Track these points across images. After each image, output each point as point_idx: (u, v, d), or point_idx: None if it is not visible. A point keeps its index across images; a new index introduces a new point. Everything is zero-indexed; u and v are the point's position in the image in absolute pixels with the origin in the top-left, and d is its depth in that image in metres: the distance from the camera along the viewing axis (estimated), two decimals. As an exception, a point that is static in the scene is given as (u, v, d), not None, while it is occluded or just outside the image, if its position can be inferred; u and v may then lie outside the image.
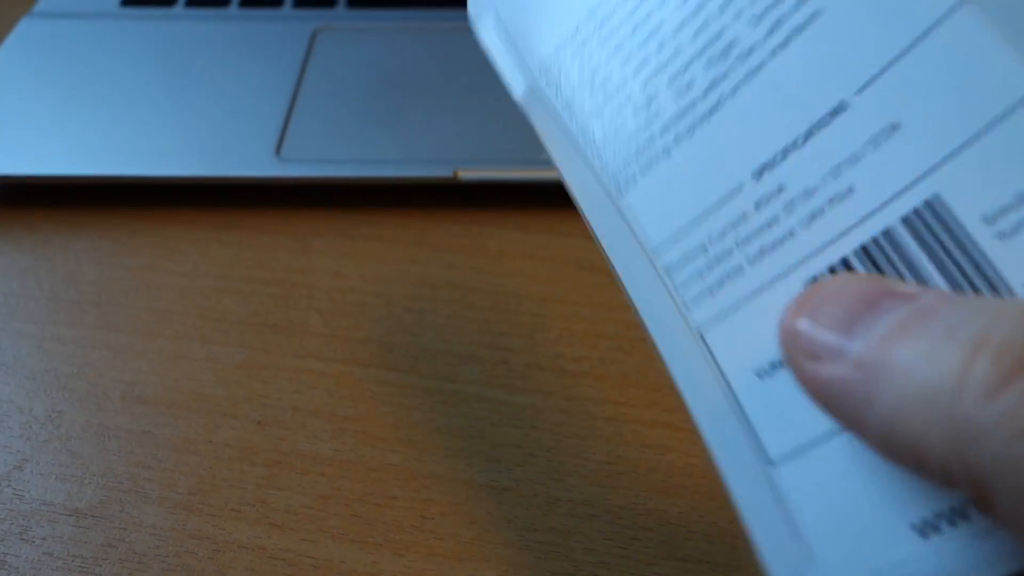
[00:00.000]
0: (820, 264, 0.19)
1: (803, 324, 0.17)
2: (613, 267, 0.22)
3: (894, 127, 0.18)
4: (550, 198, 0.37)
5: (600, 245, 0.22)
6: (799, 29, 0.20)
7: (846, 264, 0.18)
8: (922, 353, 0.14)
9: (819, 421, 0.18)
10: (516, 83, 0.25)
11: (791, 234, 0.19)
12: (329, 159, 0.38)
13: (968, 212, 0.17)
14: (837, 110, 0.19)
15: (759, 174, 0.20)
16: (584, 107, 0.23)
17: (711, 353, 0.20)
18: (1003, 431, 0.13)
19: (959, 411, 0.13)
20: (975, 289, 0.17)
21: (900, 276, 0.18)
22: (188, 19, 0.46)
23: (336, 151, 0.38)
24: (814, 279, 0.19)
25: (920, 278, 0.17)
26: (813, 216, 0.19)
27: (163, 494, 0.28)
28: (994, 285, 0.17)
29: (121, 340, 0.33)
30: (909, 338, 0.15)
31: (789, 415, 0.19)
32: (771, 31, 0.20)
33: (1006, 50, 0.17)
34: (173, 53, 0.44)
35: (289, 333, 0.33)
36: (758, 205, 0.20)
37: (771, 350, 0.19)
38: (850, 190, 0.19)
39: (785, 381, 0.19)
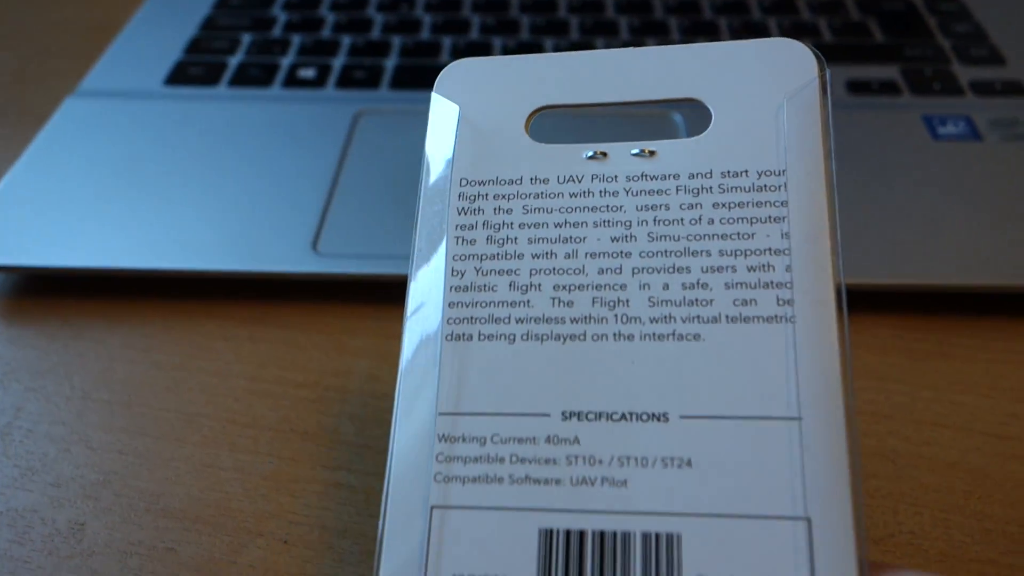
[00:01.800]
0: (561, 521, 0.20)
1: None
2: (398, 394, 0.22)
3: (688, 462, 0.20)
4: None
5: (400, 372, 0.22)
6: (678, 337, 0.22)
7: (580, 536, 0.20)
8: None
9: None
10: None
11: (557, 482, 0.20)
12: (368, 254, 0.37)
13: (692, 563, 0.19)
14: (658, 417, 0.21)
15: (568, 416, 0.21)
16: (476, 246, 0.24)
17: (429, 532, 0.21)
18: None
19: None
20: None
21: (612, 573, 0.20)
22: (230, 99, 0.46)
23: (375, 246, 0.38)
24: (548, 531, 0.20)
25: None
26: (583, 481, 0.20)
27: (184, 621, 0.27)
28: None
29: (149, 445, 0.32)
30: None
31: None
32: (659, 320, 0.22)
33: (795, 481, 0.20)
34: (213, 137, 0.43)
35: (319, 441, 0.32)
36: (549, 439, 0.21)
37: (481, 565, 0.20)
38: (624, 483, 0.20)
39: None
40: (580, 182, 0.24)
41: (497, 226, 0.24)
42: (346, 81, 0.47)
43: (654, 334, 0.22)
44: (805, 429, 0.20)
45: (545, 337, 0.22)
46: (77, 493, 0.31)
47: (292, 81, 0.47)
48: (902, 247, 0.36)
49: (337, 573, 0.28)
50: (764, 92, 0.24)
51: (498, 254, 0.23)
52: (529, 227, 0.23)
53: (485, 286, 0.23)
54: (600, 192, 0.23)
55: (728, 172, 0.23)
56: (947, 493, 0.30)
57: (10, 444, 0.33)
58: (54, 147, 0.43)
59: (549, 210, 0.24)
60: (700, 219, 0.23)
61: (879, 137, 0.42)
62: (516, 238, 0.23)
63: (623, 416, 0.21)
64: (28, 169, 0.41)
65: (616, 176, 0.24)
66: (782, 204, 0.22)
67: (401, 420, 0.22)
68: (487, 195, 0.24)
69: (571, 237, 0.23)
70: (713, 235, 0.22)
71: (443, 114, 0.25)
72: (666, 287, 0.22)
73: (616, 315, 0.22)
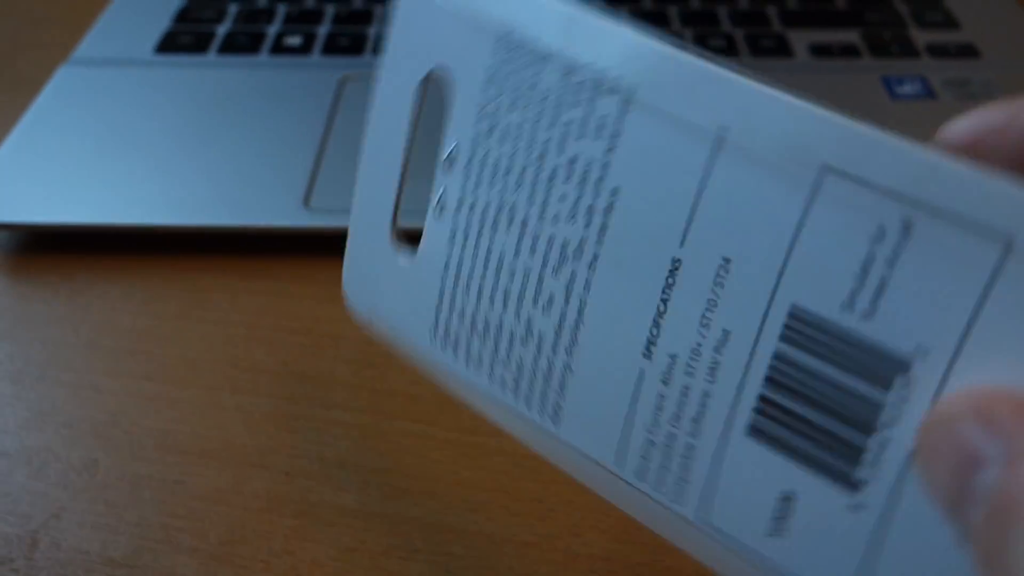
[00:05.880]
0: (746, 409, 0.19)
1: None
2: (594, 490, 0.22)
3: (727, 261, 0.19)
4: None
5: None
6: (608, 210, 0.20)
7: (770, 401, 0.18)
8: None
9: (842, 558, 0.18)
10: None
11: (707, 394, 0.19)
12: (356, 210, 0.39)
13: (827, 308, 0.17)
14: (674, 267, 0.19)
15: (648, 353, 0.20)
16: (482, 357, 0.23)
17: (721, 532, 0.20)
18: None
19: None
20: (871, 370, 0.17)
21: (811, 389, 0.18)
22: (220, 66, 0.48)
23: (363, 201, 0.39)
24: (750, 428, 0.19)
25: (826, 381, 0.18)
26: (712, 369, 0.19)
27: (194, 544, 0.29)
28: (883, 360, 0.17)
29: (155, 389, 0.34)
30: None
31: (809, 559, 0.18)
32: (588, 221, 0.21)
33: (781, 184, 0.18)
34: (204, 102, 0.45)
35: (316, 383, 0.34)
36: (665, 381, 0.20)
37: (765, 508, 0.19)
38: (726, 333, 0.19)
39: (795, 528, 0.18)
40: None
41: None
42: (331, 48, 0.49)
43: (598, 230, 0.21)
44: None
45: (574, 335, 0.22)
46: (87, 432, 0.33)
47: (279, 48, 0.49)
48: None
49: (336, 499, 0.30)
50: None
51: None
52: None
53: None
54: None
55: None
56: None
57: (22, 389, 0.34)
58: (50, 113, 0.44)
59: None
60: None
61: (841, 97, 0.44)
62: None
63: (664, 298, 0.20)
64: (26, 133, 0.43)
65: None
66: None
67: (614, 501, 0.22)
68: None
69: (494, 262, 0.23)
70: None
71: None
72: None
73: (571, 258, 0.22)
